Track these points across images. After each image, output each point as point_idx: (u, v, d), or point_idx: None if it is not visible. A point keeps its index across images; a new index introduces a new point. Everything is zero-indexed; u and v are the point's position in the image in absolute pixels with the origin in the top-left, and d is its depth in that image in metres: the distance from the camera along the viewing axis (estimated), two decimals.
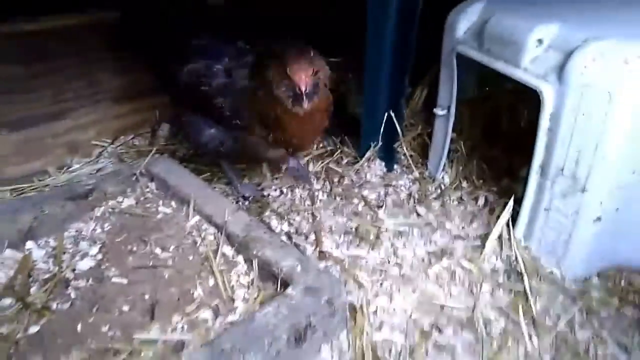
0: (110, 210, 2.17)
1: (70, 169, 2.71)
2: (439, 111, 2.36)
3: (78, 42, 2.64)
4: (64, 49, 2.61)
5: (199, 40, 2.25)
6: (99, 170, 2.69)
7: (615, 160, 1.66)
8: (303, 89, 1.85)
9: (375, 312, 1.81)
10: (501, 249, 2.03)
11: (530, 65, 1.79)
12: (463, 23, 2.12)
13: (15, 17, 2.44)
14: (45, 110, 2.64)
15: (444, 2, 2.24)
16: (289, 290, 1.64)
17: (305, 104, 1.90)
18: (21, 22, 2.45)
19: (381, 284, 1.93)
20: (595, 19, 1.78)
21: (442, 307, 1.82)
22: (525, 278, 1.87)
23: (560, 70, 1.67)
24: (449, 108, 2.30)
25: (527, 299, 1.81)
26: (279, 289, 1.75)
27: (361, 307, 1.77)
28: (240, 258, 1.92)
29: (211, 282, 1.83)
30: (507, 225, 2.06)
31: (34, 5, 2.50)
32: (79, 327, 1.65)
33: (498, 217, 2.11)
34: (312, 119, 2.04)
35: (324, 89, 2.01)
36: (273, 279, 1.78)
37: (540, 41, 1.75)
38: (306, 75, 1.86)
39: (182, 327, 1.65)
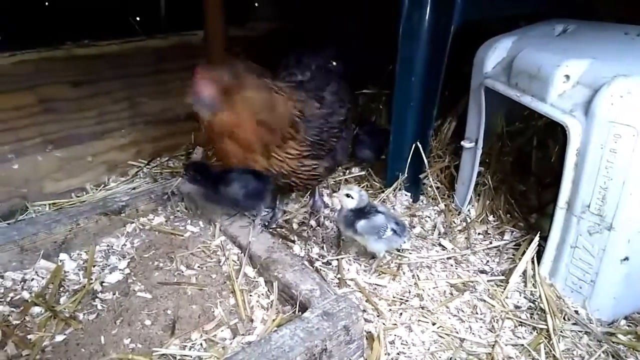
0: (140, 226, 2.26)
1: (107, 187, 2.83)
2: (466, 144, 2.36)
3: (123, 67, 2.80)
4: (110, 73, 2.77)
5: None
6: (134, 189, 2.79)
7: None
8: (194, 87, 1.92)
9: (392, 343, 1.79)
10: (525, 285, 1.99)
11: (557, 100, 1.79)
12: (492, 58, 2.15)
13: (68, 42, 2.62)
14: (89, 130, 2.79)
15: (474, 36, 2.27)
16: (307, 313, 1.65)
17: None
18: (74, 47, 2.62)
19: (401, 314, 1.92)
20: (624, 57, 1.77)
21: (461, 341, 1.79)
22: (549, 316, 1.82)
23: (588, 106, 1.67)
24: (476, 141, 2.31)
25: (550, 338, 1.76)
26: (297, 312, 1.76)
27: (378, 336, 1.76)
28: (261, 279, 1.95)
29: (232, 301, 1.87)
30: (532, 261, 2.02)
31: (85, 32, 2.69)
32: (102, 338, 1.71)
33: (523, 253, 2.08)
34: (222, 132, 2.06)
35: (246, 112, 2.00)
36: (292, 302, 1.80)
37: (567, 77, 1.76)
38: (202, 78, 1.92)
39: (201, 345, 1.69)
